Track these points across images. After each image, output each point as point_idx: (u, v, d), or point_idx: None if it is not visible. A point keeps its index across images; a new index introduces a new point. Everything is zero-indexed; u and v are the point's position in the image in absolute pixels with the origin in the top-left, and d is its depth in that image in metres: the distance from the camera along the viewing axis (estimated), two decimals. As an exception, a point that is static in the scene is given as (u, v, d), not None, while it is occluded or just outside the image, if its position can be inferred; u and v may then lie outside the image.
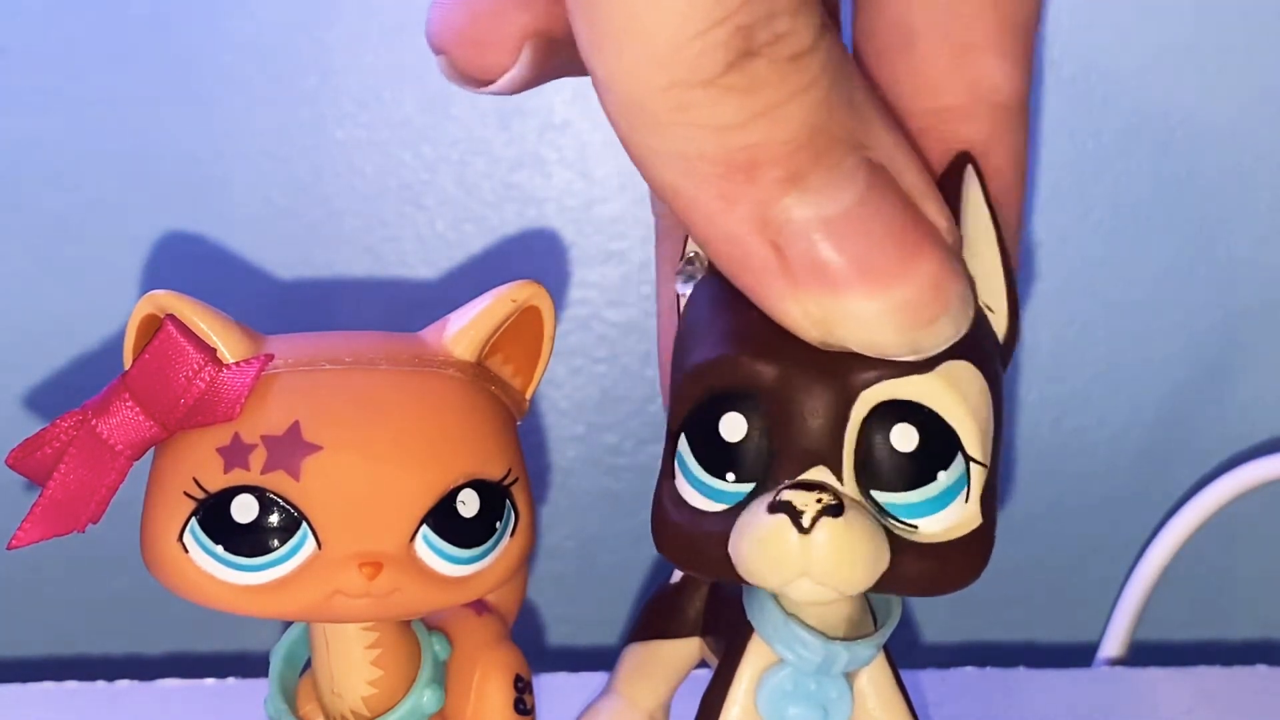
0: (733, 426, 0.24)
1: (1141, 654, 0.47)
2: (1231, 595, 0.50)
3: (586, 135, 0.45)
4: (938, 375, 0.24)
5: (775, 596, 0.27)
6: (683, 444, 0.25)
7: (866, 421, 0.24)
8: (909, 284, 0.23)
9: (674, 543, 0.25)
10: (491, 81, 0.25)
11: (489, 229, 0.46)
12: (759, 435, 0.24)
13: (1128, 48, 0.45)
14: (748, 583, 0.25)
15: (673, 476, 0.25)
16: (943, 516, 0.24)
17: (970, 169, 0.25)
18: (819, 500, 0.23)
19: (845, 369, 0.24)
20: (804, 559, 0.23)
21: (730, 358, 0.24)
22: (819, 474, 0.24)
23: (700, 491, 0.25)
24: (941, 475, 0.24)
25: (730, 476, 0.24)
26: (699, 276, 0.27)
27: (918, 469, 0.24)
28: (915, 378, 0.24)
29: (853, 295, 0.22)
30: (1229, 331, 0.48)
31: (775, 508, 0.23)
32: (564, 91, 0.45)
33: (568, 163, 0.46)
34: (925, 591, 0.25)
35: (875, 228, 0.22)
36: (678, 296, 0.27)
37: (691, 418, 0.25)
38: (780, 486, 0.24)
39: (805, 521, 0.23)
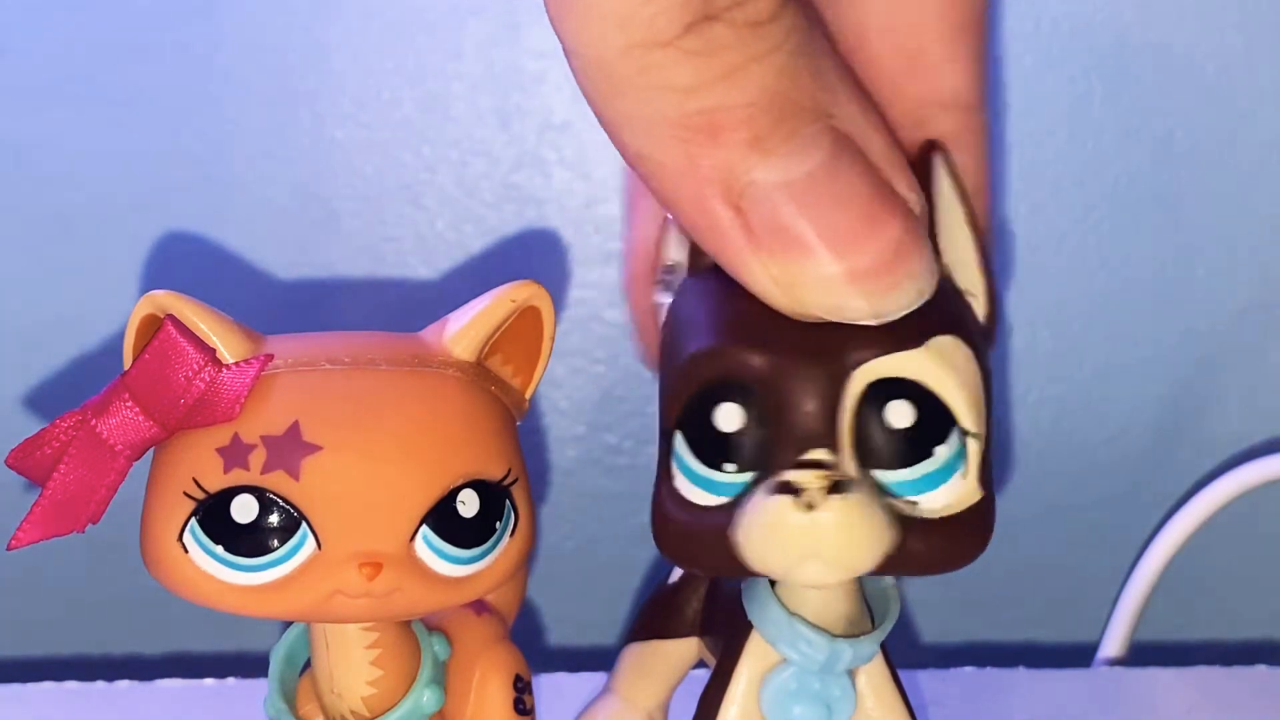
0: (728, 417, 0.24)
1: (1141, 654, 0.47)
2: (1231, 595, 0.50)
3: (586, 135, 0.45)
4: (927, 350, 0.24)
5: (778, 596, 0.27)
6: (678, 440, 0.25)
7: (862, 401, 0.24)
8: (871, 248, 0.23)
9: (676, 542, 0.25)
10: None
11: (489, 229, 0.46)
12: (755, 423, 0.24)
13: (1128, 48, 0.45)
14: (755, 576, 0.25)
15: (670, 476, 0.25)
16: (943, 492, 0.25)
17: (938, 157, 0.25)
18: (821, 477, 0.23)
19: (837, 349, 0.24)
20: (812, 539, 0.23)
21: (720, 348, 0.24)
22: (818, 456, 0.24)
23: (700, 486, 0.25)
24: (939, 450, 0.24)
25: (729, 467, 0.24)
26: (678, 284, 0.27)
27: (915, 445, 0.24)
28: (905, 354, 0.24)
29: (815, 259, 0.23)
30: (1228, 332, 0.48)
31: (778, 489, 0.23)
32: (564, 91, 0.45)
33: (568, 163, 0.46)
34: (931, 569, 0.25)
35: (838, 193, 0.23)
36: (655, 307, 0.28)
37: (686, 412, 0.25)
38: (782, 470, 0.24)
39: (809, 499, 0.23)
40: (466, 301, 0.28)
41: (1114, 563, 0.49)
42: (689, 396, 0.25)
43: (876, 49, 0.26)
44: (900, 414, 0.24)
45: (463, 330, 0.28)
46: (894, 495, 0.24)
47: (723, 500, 0.25)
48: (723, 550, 0.24)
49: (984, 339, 0.26)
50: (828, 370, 0.24)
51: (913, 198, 0.24)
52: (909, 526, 0.24)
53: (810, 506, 0.23)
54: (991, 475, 0.25)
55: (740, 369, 0.24)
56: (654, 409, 0.47)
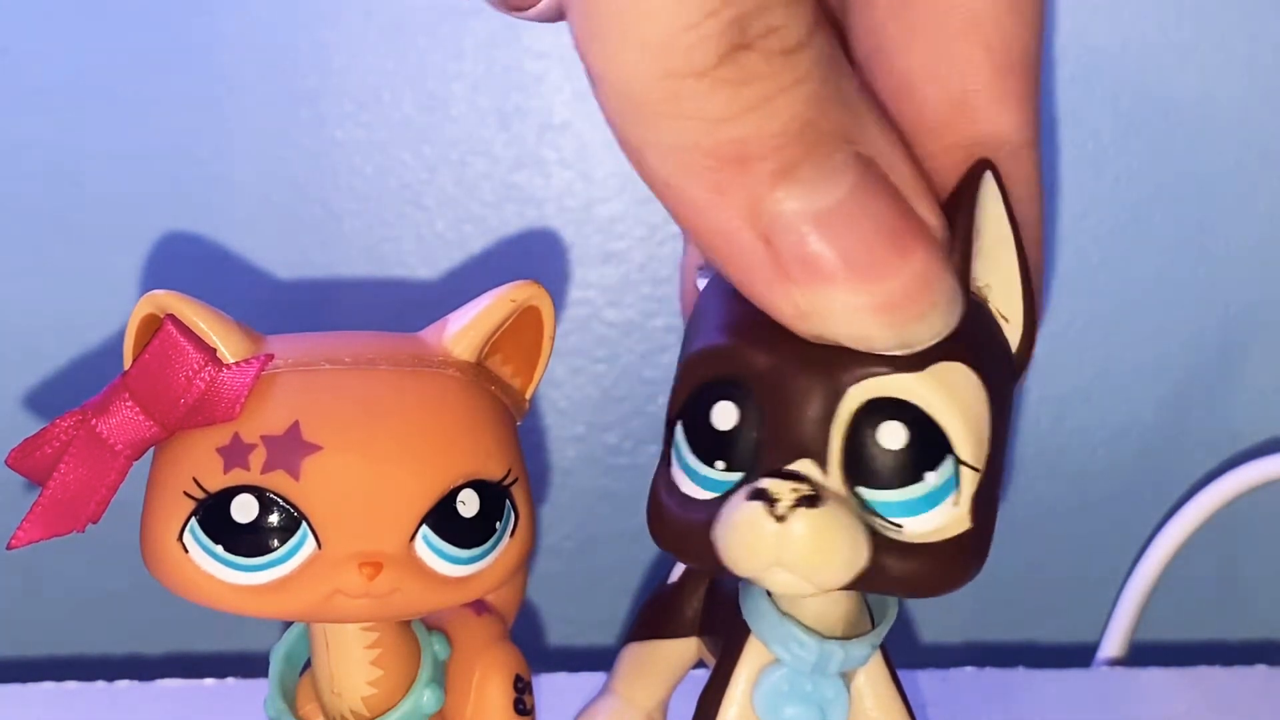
0: (724, 415, 0.24)
1: (1141, 654, 0.47)
2: (1231, 595, 0.50)
3: (586, 135, 0.45)
4: (929, 375, 0.24)
5: (771, 595, 0.27)
6: (678, 431, 0.25)
7: (856, 417, 0.24)
8: (897, 278, 0.23)
9: (665, 528, 0.26)
10: (528, 8, 0.25)
11: (489, 229, 0.46)
12: (750, 425, 0.24)
13: (1128, 47, 0.45)
14: (730, 572, 0.25)
15: (669, 463, 0.26)
16: (929, 517, 0.24)
17: (989, 175, 0.25)
18: (794, 490, 0.23)
19: (837, 363, 0.24)
20: (778, 548, 0.23)
21: (725, 347, 0.24)
22: (804, 466, 0.24)
23: (692, 479, 0.25)
24: (929, 476, 0.24)
25: (720, 465, 0.24)
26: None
27: (904, 467, 0.24)
28: (906, 376, 0.24)
29: (841, 289, 0.22)
30: (1228, 331, 0.48)
31: (752, 495, 0.24)
32: (564, 91, 0.45)
33: (568, 163, 0.46)
34: (908, 592, 0.25)
35: (865, 222, 0.22)
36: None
37: (687, 405, 0.25)
38: (760, 475, 0.24)
39: (780, 510, 0.23)
40: (466, 301, 0.28)
41: (1114, 563, 0.49)
42: (691, 389, 0.25)
43: (923, 94, 0.25)
44: (892, 435, 0.24)
45: (463, 330, 0.28)
46: (878, 515, 0.24)
47: (711, 495, 0.25)
48: (706, 544, 0.24)
49: (1009, 368, 0.25)
50: (824, 383, 0.24)
51: (935, 222, 0.23)
52: (889, 548, 0.24)
53: (781, 517, 0.23)
54: (992, 507, 0.25)
55: (740, 369, 0.24)
56: (654, 408, 0.48)
